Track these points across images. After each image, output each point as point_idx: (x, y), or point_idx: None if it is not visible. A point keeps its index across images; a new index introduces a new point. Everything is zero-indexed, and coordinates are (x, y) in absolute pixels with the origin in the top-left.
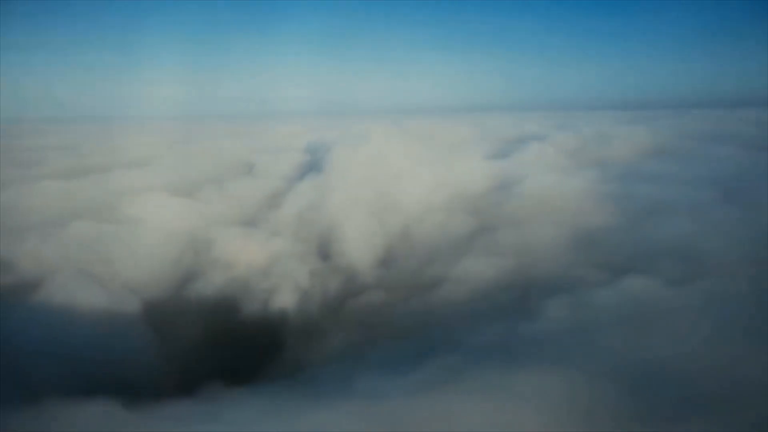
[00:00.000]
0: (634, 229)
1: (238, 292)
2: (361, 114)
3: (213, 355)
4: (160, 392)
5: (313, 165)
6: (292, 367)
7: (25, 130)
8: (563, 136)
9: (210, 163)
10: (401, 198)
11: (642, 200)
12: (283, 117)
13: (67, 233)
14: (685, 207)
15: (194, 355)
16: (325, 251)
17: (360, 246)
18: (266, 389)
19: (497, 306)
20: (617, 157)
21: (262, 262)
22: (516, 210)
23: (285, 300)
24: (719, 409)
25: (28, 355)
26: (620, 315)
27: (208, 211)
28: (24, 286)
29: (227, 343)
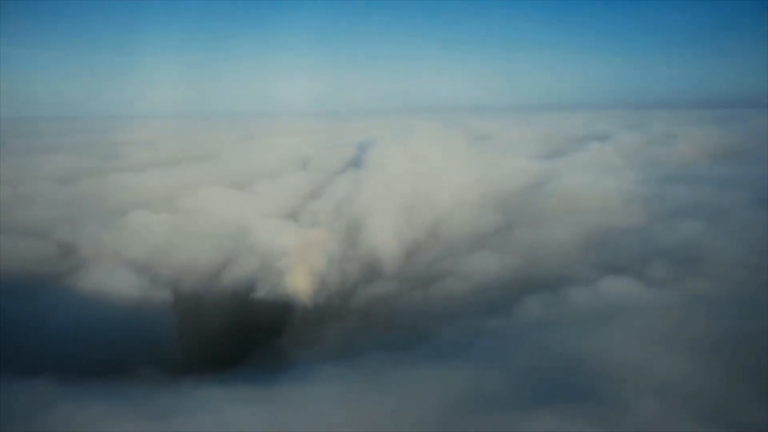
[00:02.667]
0: (646, 230)
1: (263, 279)
2: (424, 111)
3: (225, 340)
4: (174, 373)
5: (357, 160)
6: (280, 353)
7: (110, 126)
8: (629, 136)
9: (268, 158)
10: (436, 193)
11: (670, 202)
12: (340, 115)
13: (124, 222)
14: (709, 210)
15: (213, 339)
16: (351, 241)
17: (385, 237)
18: (244, 375)
19: (484, 302)
20: (676, 158)
21: (290, 250)
22: (540, 209)
23: (300, 287)
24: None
25: (53, 335)
26: (587, 314)
27: (256, 202)
28: (69, 270)
29: (241, 329)
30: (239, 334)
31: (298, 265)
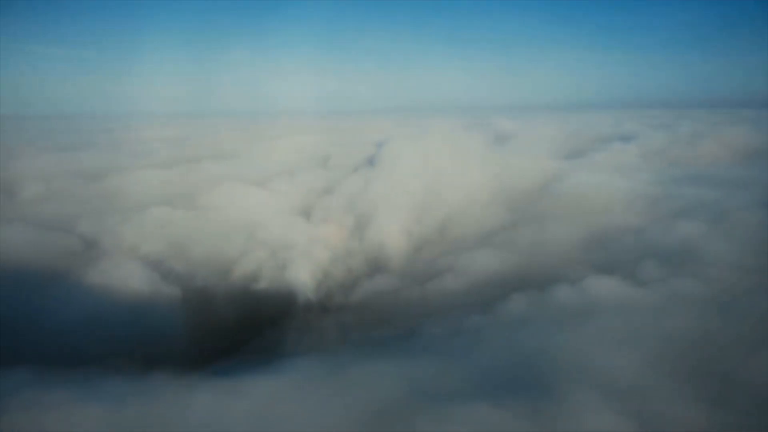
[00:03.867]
0: (645, 231)
1: (269, 273)
2: (451, 110)
3: (225, 333)
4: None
5: (374, 158)
6: (270, 347)
7: (142, 124)
8: (655, 136)
9: (288, 156)
10: (447, 191)
11: (676, 203)
12: (363, 114)
13: (143, 217)
14: (714, 212)
15: (214, 332)
16: (359, 237)
17: (391, 233)
18: (230, 368)
19: (475, 299)
20: (698, 159)
21: (298, 245)
22: (547, 208)
23: (303, 281)
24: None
25: (63, 326)
26: (566, 312)
27: (273, 199)
28: (87, 263)
29: (242, 323)
30: (240, 328)
31: (303, 259)
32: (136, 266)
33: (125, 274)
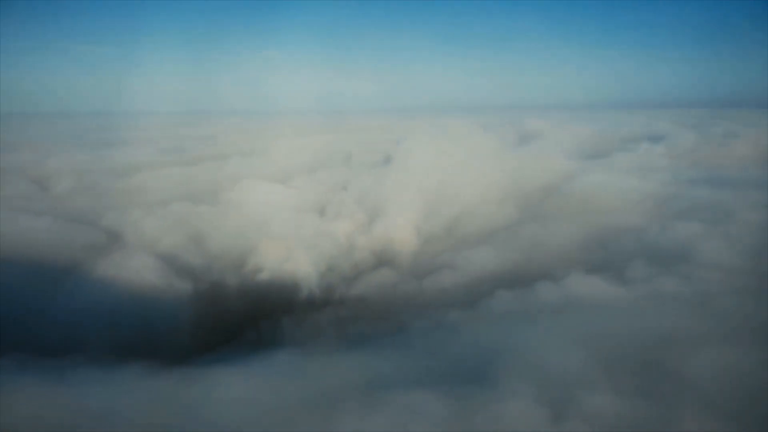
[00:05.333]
0: (643, 231)
1: (277, 267)
2: (480, 109)
3: (227, 326)
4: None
5: (393, 156)
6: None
7: (170, 122)
8: (686, 135)
9: (312, 154)
10: (459, 190)
11: (682, 204)
12: (392, 113)
13: (165, 212)
14: (718, 213)
15: (218, 324)
16: (367, 233)
17: (399, 229)
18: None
19: (464, 294)
20: (726, 159)
21: (308, 240)
22: (555, 208)
23: (306, 274)
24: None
25: (68, 317)
26: (543, 309)
27: (292, 196)
28: (106, 255)
29: (245, 315)
30: (238, 320)
31: (310, 253)
32: (151, 259)
33: (139, 267)
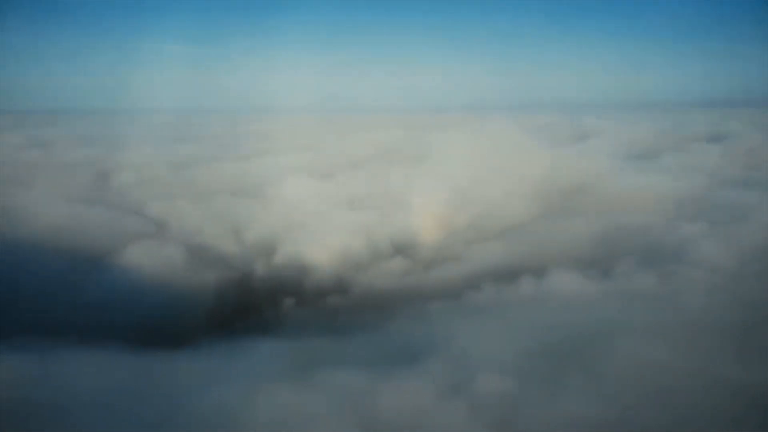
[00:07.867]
0: (648, 229)
1: (300, 258)
2: (540, 107)
3: (227, 318)
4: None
5: (431, 152)
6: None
7: (241, 119)
8: (751, 136)
9: (358, 150)
10: (490, 187)
11: (702, 205)
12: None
13: (209, 205)
14: (735, 213)
15: (240, 312)
16: (392, 225)
17: (421, 222)
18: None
19: (457, 286)
20: None
21: (333, 231)
22: (574, 205)
23: (321, 264)
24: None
25: (94, 303)
26: (521, 303)
27: (332, 190)
28: (143, 244)
29: (252, 303)
30: (242, 310)
31: (330, 244)
32: (187, 248)
33: (174, 255)
